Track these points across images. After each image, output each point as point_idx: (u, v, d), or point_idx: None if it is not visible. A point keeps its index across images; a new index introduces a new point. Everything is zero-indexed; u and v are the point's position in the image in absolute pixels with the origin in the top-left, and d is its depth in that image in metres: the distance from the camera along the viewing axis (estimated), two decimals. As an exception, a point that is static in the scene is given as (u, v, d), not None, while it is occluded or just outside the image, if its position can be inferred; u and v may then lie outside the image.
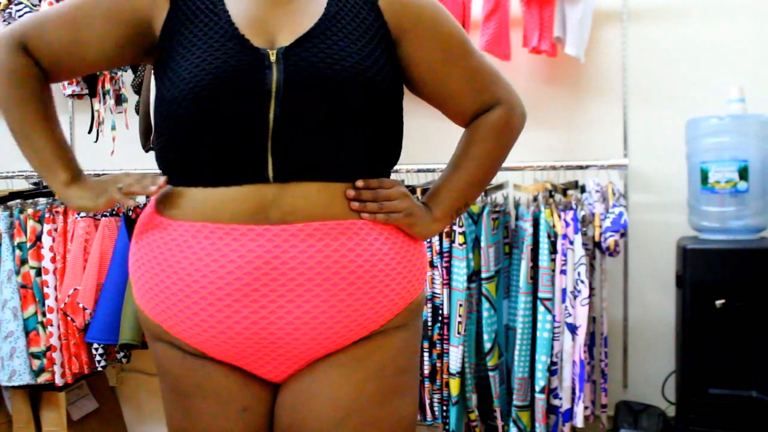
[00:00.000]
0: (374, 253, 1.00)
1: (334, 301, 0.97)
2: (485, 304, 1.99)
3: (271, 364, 1.01)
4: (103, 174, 2.42)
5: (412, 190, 2.09)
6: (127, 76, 2.42)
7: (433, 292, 2.04)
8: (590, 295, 1.94)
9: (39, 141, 1.06)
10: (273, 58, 0.96)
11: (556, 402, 1.96)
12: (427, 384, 2.04)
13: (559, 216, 1.96)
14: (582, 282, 1.90)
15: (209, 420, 1.02)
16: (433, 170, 2.17)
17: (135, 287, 1.07)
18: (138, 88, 2.26)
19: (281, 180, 0.96)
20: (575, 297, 1.92)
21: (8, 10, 2.46)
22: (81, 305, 2.18)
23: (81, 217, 2.27)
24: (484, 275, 1.99)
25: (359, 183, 1.01)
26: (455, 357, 1.98)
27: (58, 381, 2.29)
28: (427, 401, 2.05)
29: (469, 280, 2.00)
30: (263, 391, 1.04)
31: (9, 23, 2.47)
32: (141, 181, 1.04)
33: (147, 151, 2.19)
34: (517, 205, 2.15)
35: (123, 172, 1.07)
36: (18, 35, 1.04)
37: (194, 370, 1.02)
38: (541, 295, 1.94)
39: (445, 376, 2.03)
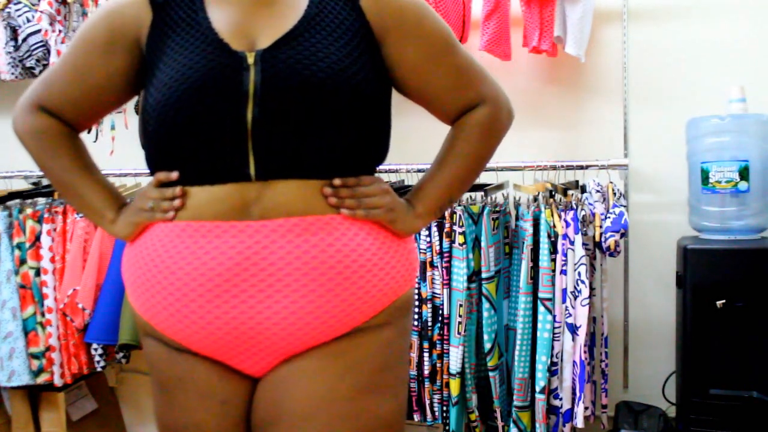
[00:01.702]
0: (354, 248, 1.01)
1: (312, 296, 0.98)
2: (485, 305, 1.99)
3: (252, 358, 1.02)
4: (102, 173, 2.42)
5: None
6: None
7: (433, 292, 2.04)
8: (590, 296, 1.94)
9: (80, 189, 1.12)
10: (251, 60, 0.98)
11: (556, 402, 1.96)
12: (427, 384, 2.04)
13: (560, 216, 1.96)
14: (582, 282, 1.89)
15: (189, 412, 1.05)
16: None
17: (126, 286, 1.10)
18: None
19: (263, 178, 0.98)
20: (575, 297, 1.91)
21: (7, 10, 2.46)
22: (80, 305, 2.18)
23: (80, 217, 2.27)
24: (484, 275, 1.99)
25: (336, 181, 1.02)
26: (455, 357, 1.97)
27: (57, 381, 2.29)
28: (427, 401, 2.05)
29: (470, 280, 2.00)
30: (242, 385, 1.05)
31: (8, 23, 2.46)
32: (164, 195, 1.03)
33: (146, 151, 2.18)
34: (517, 205, 2.14)
35: (146, 187, 1.07)
36: (33, 100, 1.11)
37: (177, 364, 1.05)
38: (541, 295, 1.94)
39: (445, 377, 2.03)
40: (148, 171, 1.09)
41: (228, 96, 0.97)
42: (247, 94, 0.97)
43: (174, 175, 1.03)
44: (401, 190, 2.09)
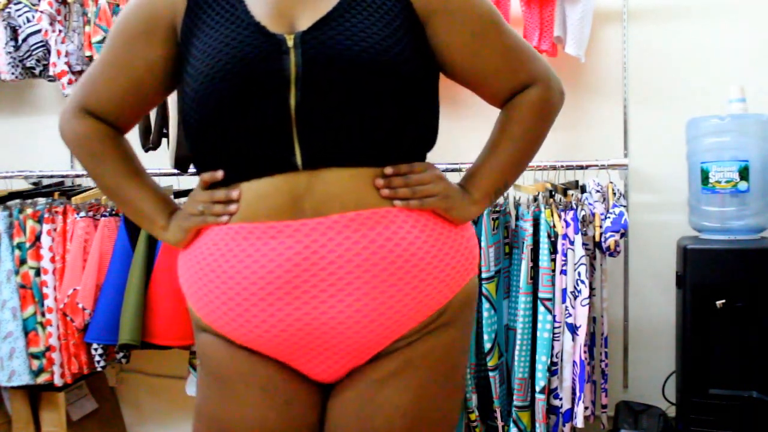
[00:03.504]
0: (413, 241, 0.98)
1: (375, 293, 0.96)
2: (485, 305, 1.99)
3: (316, 360, 1.01)
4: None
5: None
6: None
7: (433, 292, 2.04)
8: (590, 295, 1.94)
9: (131, 196, 1.10)
10: (290, 43, 0.95)
11: (556, 402, 1.96)
12: (427, 384, 2.04)
13: (560, 216, 1.96)
14: (582, 282, 1.89)
15: (251, 408, 1.01)
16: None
17: (183, 290, 1.08)
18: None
19: (311, 167, 0.95)
20: (575, 297, 1.92)
21: (7, 10, 2.46)
22: (80, 305, 2.18)
23: (80, 217, 2.27)
24: (484, 275, 1.99)
25: (388, 170, 0.98)
26: (455, 357, 1.97)
27: (58, 381, 2.29)
28: (427, 401, 2.04)
29: (469, 280, 1.99)
30: (309, 389, 1.04)
31: (9, 23, 2.46)
32: (213, 198, 1.01)
33: (146, 151, 2.18)
34: (517, 205, 2.14)
35: (194, 190, 1.06)
36: (77, 104, 1.09)
37: (239, 358, 1.02)
38: (541, 295, 1.94)
39: (445, 377, 2.02)
40: (195, 169, 1.07)
41: (269, 81, 0.94)
42: (288, 79, 0.94)
43: (219, 174, 1.00)
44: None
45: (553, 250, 1.95)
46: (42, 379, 2.28)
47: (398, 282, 0.97)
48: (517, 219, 2.09)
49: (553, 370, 1.93)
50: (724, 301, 1.80)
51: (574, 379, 1.92)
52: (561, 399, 1.95)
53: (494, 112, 1.12)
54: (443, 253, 1.01)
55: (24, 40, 2.44)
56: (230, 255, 0.97)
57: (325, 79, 0.94)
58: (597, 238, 1.94)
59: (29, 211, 2.33)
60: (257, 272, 0.95)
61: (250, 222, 0.97)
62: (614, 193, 2.01)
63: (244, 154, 0.97)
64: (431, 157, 1.11)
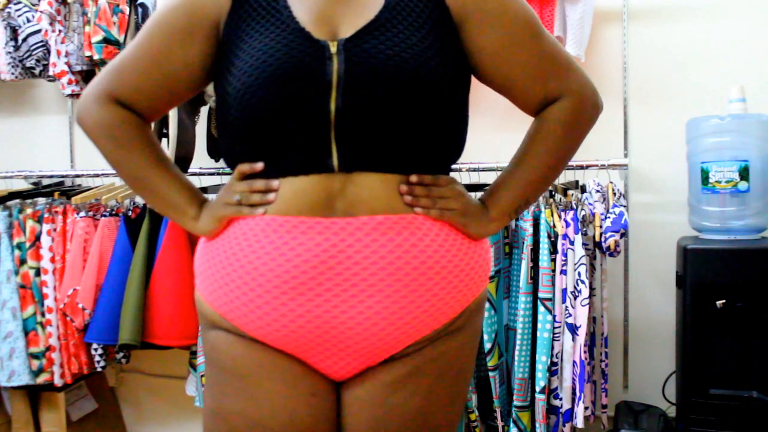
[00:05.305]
0: (437, 249, 1.00)
1: (396, 297, 0.97)
2: (485, 305, 1.98)
3: (332, 359, 1.01)
4: (102, 173, 2.42)
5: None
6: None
7: (433, 292, 2.03)
8: (590, 295, 1.94)
9: (158, 185, 1.08)
10: (333, 49, 0.97)
11: (556, 402, 1.96)
12: (427, 384, 2.04)
13: (560, 216, 1.96)
14: (582, 282, 1.89)
15: (276, 400, 1.01)
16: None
17: (199, 278, 1.07)
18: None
19: (346, 170, 0.97)
20: (575, 297, 1.91)
21: (7, 10, 2.46)
22: (80, 305, 2.18)
23: (80, 217, 2.27)
24: (484, 275, 1.98)
25: (413, 178, 1.00)
26: (455, 357, 1.97)
27: (58, 381, 2.29)
28: (427, 401, 2.04)
29: (469, 280, 1.99)
30: (325, 382, 1.04)
31: (8, 23, 2.46)
32: (252, 188, 1.00)
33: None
34: (517, 205, 2.14)
35: (230, 181, 1.05)
36: (103, 91, 1.06)
37: (257, 353, 1.01)
38: (541, 295, 1.94)
39: (445, 377, 2.02)
40: (226, 164, 1.07)
41: (311, 86, 0.95)
42: (330, 84, 0.95)
43: (259, 165, 1.00)
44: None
45: (553, 250, 1.95)
46: (42, 379, 2.28)
47: (419, 288, 0.98)
48: (517, 219, 2.09)
49: (553, 370, 1.93)
50: (724, 301, 1.80)
51: (574, 379, 1.92)
52: (561, 399, 1.95)
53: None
54: (464, 263, 1.03)
55: (24, 40, 2.44)
56: (258, 246, 0.98)
57: (366, 86, 0.95)
58: (597, 238, 1.94)
59: (29, 211, 2.33)
60: (283, 265, 0.96)
61: (282, 215, 0.97)
62: (614, 193, 2.01)
63: (283, 153, 0.98)
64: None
